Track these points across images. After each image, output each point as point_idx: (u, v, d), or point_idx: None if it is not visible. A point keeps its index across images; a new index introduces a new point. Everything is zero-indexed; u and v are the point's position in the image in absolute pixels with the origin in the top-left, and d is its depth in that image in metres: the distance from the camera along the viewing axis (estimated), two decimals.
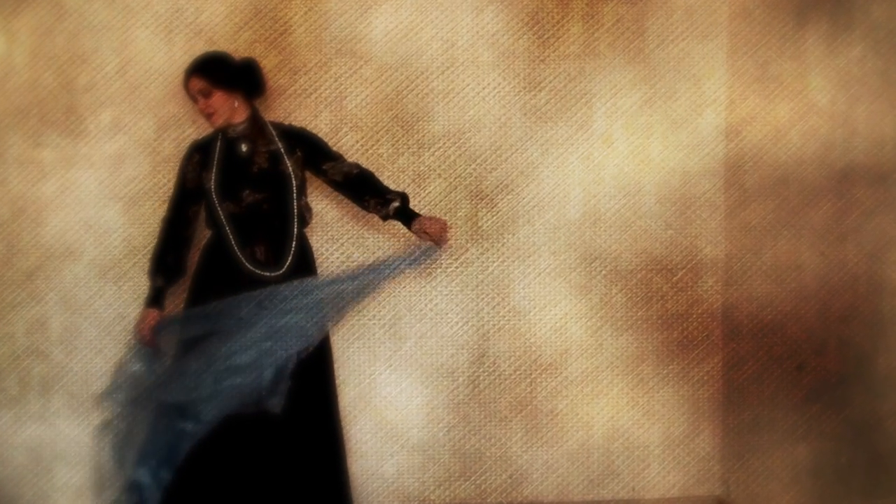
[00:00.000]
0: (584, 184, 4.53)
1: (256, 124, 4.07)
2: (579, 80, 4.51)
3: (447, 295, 4.54)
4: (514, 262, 4.55)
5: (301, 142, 4.10)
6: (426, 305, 4.55)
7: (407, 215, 4.05)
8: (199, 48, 4.29)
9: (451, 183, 4.52)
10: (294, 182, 4.02)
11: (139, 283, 4.42)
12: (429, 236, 4.01)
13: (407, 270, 4.10)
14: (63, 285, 4.45)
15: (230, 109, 4.00)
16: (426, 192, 4.51)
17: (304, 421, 3.98)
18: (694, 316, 4.57)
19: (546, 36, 4.49)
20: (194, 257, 4.11)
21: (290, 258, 4.01)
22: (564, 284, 4.55)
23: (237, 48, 4.30)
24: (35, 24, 4.38)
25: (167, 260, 4.04)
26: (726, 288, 4.56)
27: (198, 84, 3.96)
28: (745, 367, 4.58)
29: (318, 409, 4.05)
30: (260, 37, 4.42)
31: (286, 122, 4.21)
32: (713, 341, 4.58)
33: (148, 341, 4.01)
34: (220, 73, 3.97)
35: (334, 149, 4.17)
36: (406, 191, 4.36)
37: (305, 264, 4.11)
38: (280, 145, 4.05)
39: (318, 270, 4.21)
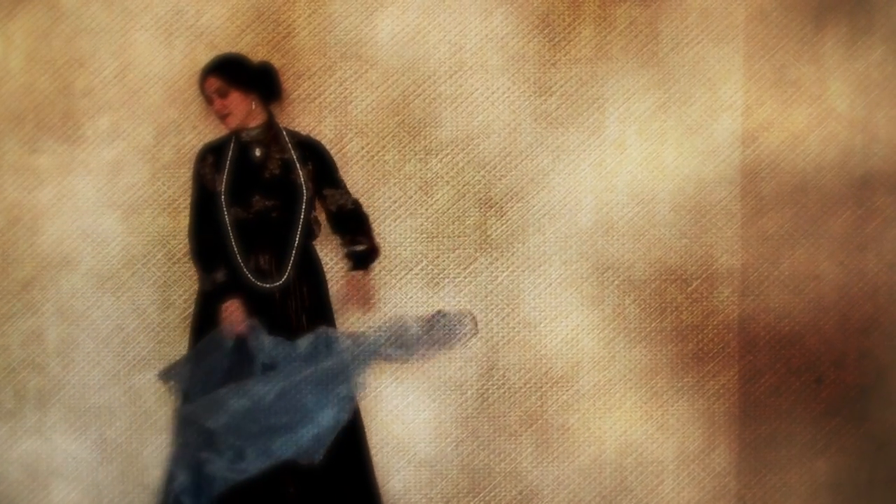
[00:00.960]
0: (597, 191, 4.50)
1: (271, 130, 4.08)
2: (591, 85, 4.48)
3: (455, 305, 4.48)
4: (524, 271, 4.51)
5: (314, 156, 4.11)
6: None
7: (360, 263, 4.10)
8: (200, 52, 4.32)
9: (459, 190, 4.48)
10: (305, 193, 4.02)
11: (138, 294, 4.43)
12: (353, 296, 4.08)
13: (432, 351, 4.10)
14: (60, 296, 4.41)
15: (246, 111, 4.00)
16: (433, 199, 4.48)
17: (338, 467, 3.98)
18: (709, 327, 4.54)
19: (557, 39, 4.46)
20: None
21: (289, 269, 3.99)
22: (576, 295, 4.51)
23: (239, 51, 4.27)
24: (31, 26, 4.35)
25: (217, 257, 3.97)
26: (743, 298, 4.53)
27: (215, 83, 3.98)
28: (762, 380, 4.56)
29: (351, 454, 4.05)
30: (263, 40, 4.39)
31: (303, 132, 4.22)
32: (729, 353, 4.55)
33: (242, 329, 3.93)
34: (237, 72, 4.00)
35: (341, 165, 4.20)
36: (413, 198, 4.43)
37: (312, 275, 4.10)
38: (294, 154, 4.05)
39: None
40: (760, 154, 4.49)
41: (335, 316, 4.19)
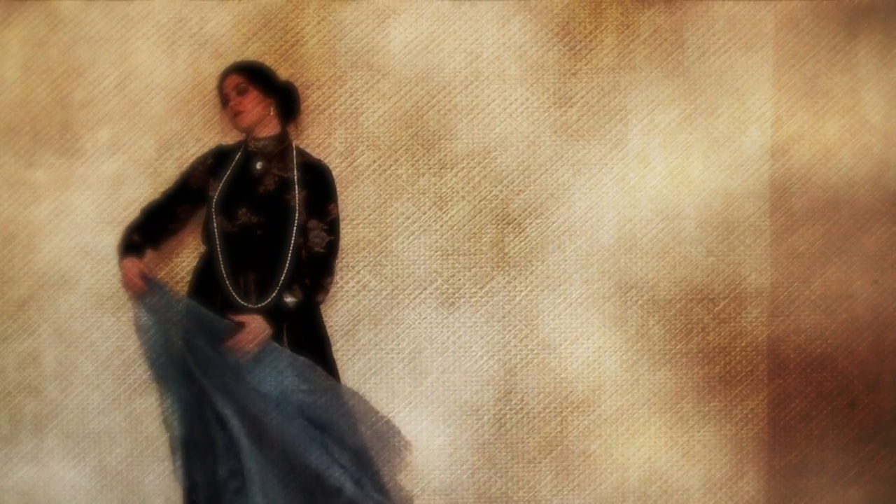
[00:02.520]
0: (619, 207, 4.43)
1: (280, 145, 4.00)
2: (613, 95, 4.41)
3: (471, 326, 4.43)
4: (543, 291, 4.44)
5: (316, 182, 3.96)
6: (449, 338, 4.43)
7: (276, 313, 3.82)
8: (204, 61, 4.32)
9: (475, 206, 4.41)
10: (297, 217, 3.90)
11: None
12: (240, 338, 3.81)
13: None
14: (57, 316, 4.38)
15: (261, 115, 3.96)
16: (448, 215, 4.41)
17: None
18: (737, 349, 4.47)
19: (578, 48, 4.40)
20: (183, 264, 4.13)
21: (273, 294, 3.86)
22: (598, 315, 4.45)
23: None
24: (27, 34, 4.32)
25: (133, 237, 3.93)
26: (772, 319, 4.47)
27: (235, 80, 3.97)
28: (792, 405, 4.49)
29: None
30: (270, 48, 4.34)
31: (314, 155, 4.10)
32: (758, 377, 4.48)
33: (139, 288, 3.85)
34: (260, 74, 4.01)
35: (352, 179, 4.14)
36: (427, 214, 4.39)
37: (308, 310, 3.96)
38: (295, 175, 3.95)
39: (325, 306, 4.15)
40: (791, 168, 4.42)
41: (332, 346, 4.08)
